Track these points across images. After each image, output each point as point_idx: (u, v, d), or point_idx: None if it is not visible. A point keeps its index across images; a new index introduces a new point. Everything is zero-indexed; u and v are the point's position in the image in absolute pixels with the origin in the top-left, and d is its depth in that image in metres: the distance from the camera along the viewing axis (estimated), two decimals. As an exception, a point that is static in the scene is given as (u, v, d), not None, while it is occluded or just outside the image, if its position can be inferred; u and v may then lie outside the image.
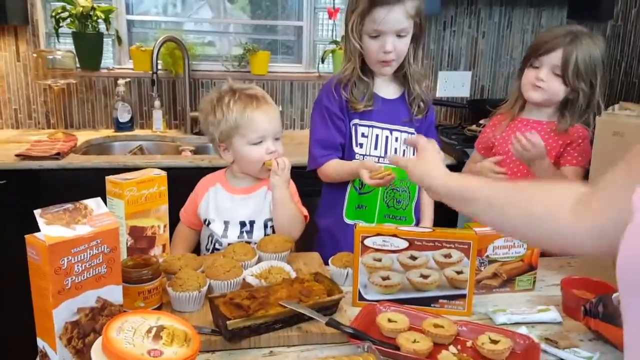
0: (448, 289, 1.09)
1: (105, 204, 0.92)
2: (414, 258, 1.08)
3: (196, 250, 1.46)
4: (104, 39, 2.46)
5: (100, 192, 1.11)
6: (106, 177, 1.11)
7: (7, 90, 2.42)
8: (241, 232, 1.37)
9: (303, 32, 2.69)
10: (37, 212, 0.81)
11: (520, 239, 1.13)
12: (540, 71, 1.49)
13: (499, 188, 0.85)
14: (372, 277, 1.09)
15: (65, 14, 2.35)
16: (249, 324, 0.93)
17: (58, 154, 1.98)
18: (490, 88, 2.81)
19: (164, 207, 1.17)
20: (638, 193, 0.52)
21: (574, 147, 1.51)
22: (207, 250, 1.40)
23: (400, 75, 1.48)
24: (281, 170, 1.32)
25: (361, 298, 1.10)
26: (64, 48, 2.42)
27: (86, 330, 0.83)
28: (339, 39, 2.54)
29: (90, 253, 0.82)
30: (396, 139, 1.47)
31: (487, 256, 1.16)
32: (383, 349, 0.91)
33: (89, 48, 2.43)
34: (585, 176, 1.50)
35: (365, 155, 1.47)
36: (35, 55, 2.30)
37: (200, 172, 1.53)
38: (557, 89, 1.48)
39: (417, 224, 1.55)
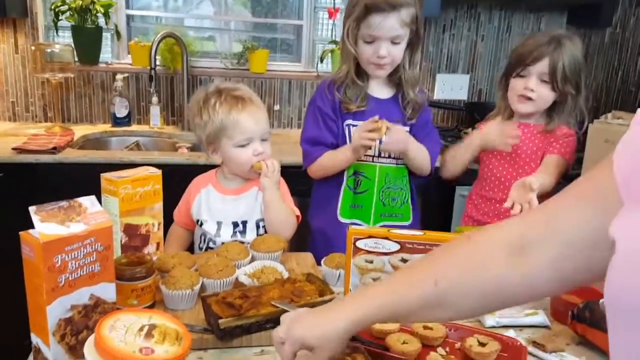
0: (438, 292, 1.10)
1: (100, 201, 0.93)
2: (404, 261, 1.09)
3: (190, 249, 1.47)
4: (103, 34, 2.46)
5: (96, 187, 1.12)
6: (101, 175, 1.11)
7: (4, 82, 2.42)
8: (234, 232, 1.38)
9: (303, 31, 2.70)
10: (32, 209, 0.81)
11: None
12: (529, 80, 1.49)
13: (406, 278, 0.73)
14: (363, 279, 1.10)
15: (65, 7, 2.35)
16: (241, 323, 0.94)
17: (55, 148, 1.99)
18: (488, 91, 2.82)
19: (159, 205, 1.17)
20: (615, 225, 0.52)
21: (559, 141, 1.53)
22: (201, 249, 1.41)
23: (396, 78, 1.50)
24: (271, 173, 1.32)
25: (352, 299, 1.11)
26: (63, 42, 2.42)
27: (79, 327, 0.84)
28: (338, 39, 2.55)
29: (84, 251, 0.83)
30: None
31: (478, 260, 1.18)
32: (372, 349, 0.92)
33: (87, 42, 2.43)
34: (566, 171, 1.51)
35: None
36: (33, 48, 2.30)
37: (196, 169, 1.54)
38: (547, 96, 1.49)
39: (413, 221, 1.56)
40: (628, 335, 0.47)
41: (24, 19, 2.37)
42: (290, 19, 2.73)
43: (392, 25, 1.37)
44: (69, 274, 0.81)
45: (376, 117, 1.38)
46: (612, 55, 2.75)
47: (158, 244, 1.20)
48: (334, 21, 2.61)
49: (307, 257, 1.32)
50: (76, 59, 2.40)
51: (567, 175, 1.51)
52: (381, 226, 1.49)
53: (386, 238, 1.09)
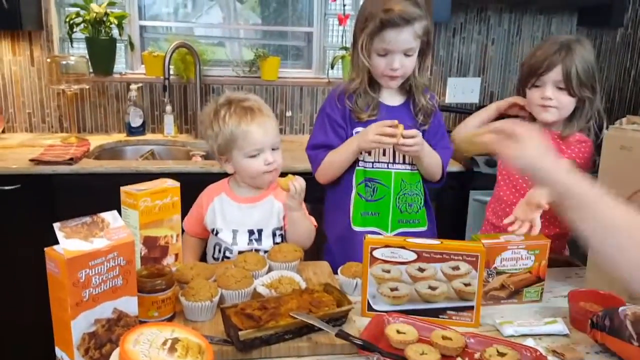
0: (456, 300, 1.10)
1: (120, 213, 0.95)
2: (422, 270, 1.10)
3: (202, 258, 1.48)
4: (117, 44, 2.50)
5: (112, 197, 1.14)
6: (121, 188, 1.13)
7: (21, 94, 2.47)
8: (250, 240, 1.39)
9: (313, 38, 2.71)
10: (56, 226, 0.83)
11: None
12: (545, 89, 1.48)
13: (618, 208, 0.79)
14: (380, 288, 1.11)
15: (79, 20, 2.38)
16: (260, 334, 0.95)
17: (71, 159, 2.02)
18: (499, 94, 2.81)
19: (177, 217, 1.19)
20: None
21: (571, 147, 1.52)
22: (216, 259, 1.42)
23: (406, 86, 1.50)
24: (298, 195, 1.33)
25: (370, 308, 1.12)
26: (78, 53, 2.46)
27: (103, 340, 0.86)
28: (348, 45, 2.55)
29: (107, 266, 0.84)
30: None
31: (495, 268, 1.18)
32: (391, 360, 0.92)
33: (102, 53, 2.47)
34: None
35: (375, 162, 1.49)
36: (49, 60, 2.34)
37: (210, 178, 1.55)
38: (567, 102, 1.48)
39: (430, 226, 1.56)
40: None
41: (39, 32, 2.41)
42: (301, 26, 2.75)
43: (406, 39, 1.38)
44: (93, 288, 0.83)
45: (395, 122, 1.38)
46: (623, 56, 2.73)
47: (177, 255, 1.22)
48: (344, 27, 2.62)
49: (324, 266, 1.33)
50: (91, 70, 2.44)
51: None
52: (399, 233, 1.49)
53: (403, 247, 1.09)
